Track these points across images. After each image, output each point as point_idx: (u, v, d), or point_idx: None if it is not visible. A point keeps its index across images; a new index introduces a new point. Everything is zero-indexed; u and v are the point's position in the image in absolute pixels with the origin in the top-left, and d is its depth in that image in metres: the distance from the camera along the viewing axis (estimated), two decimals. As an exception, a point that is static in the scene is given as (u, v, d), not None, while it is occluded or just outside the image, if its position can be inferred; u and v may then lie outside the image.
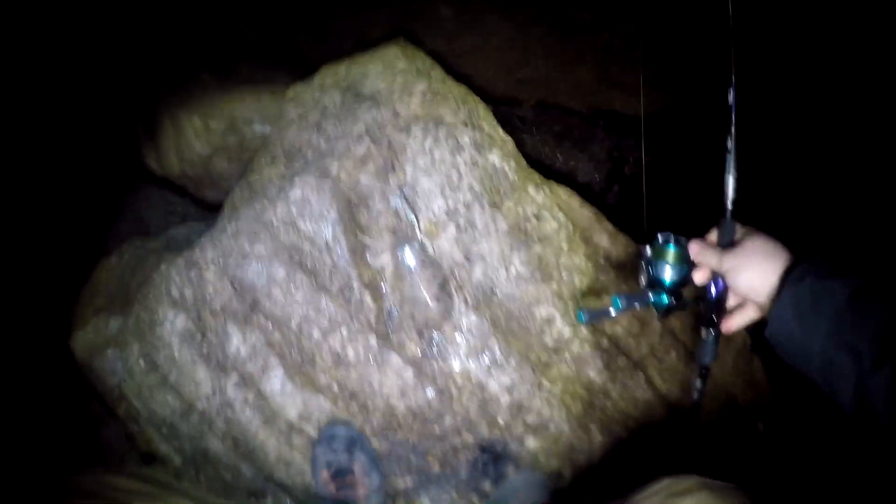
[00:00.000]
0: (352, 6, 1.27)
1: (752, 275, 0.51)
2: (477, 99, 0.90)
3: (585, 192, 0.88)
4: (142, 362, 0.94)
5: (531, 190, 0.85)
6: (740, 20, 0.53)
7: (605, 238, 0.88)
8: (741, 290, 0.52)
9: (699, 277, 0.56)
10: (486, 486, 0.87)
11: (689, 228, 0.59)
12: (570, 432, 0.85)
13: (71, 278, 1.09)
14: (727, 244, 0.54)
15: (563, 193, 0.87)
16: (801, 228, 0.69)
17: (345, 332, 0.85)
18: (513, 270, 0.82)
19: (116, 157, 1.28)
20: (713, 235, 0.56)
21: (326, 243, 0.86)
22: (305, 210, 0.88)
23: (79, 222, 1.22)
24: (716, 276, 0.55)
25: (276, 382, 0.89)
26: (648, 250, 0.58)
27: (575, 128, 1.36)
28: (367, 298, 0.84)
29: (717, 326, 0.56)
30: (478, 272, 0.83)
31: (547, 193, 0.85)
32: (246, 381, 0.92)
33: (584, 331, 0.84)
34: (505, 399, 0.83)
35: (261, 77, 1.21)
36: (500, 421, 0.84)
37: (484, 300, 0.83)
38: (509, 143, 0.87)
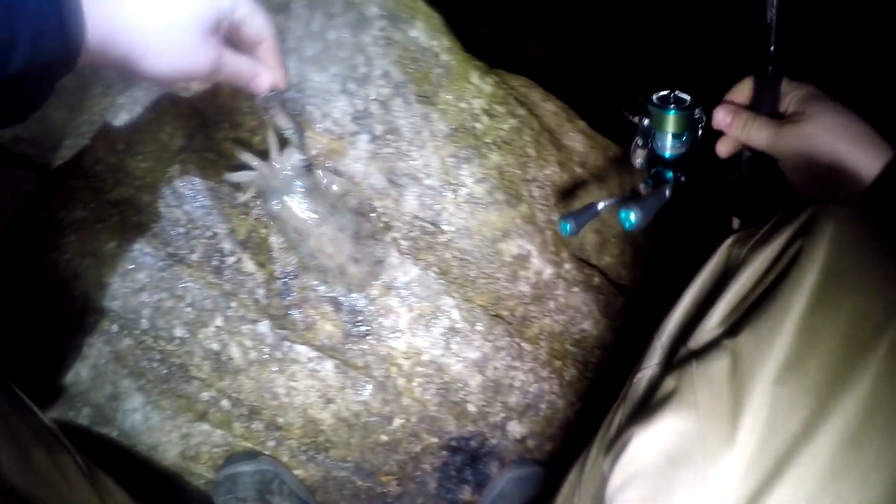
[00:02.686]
0: None
1: (835, 162, 0.33)
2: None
3: (543, 79, 0.59)
4: None
5: (475, 79, 0.55)
6: None
7: (580, 140, 0.60)
8: (812, 178, 0.35)
9: (724, 147, 0.40)
10: (467, 493, 0.58)
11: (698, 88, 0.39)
12: (566, 406, 0.58)
13: None
14: (771, 111, 0.37)
15: (518, 83, 0.58)
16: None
17: (220, 322, 0.51)
18: (463, 192, 0.52)
19: None
20: (741, 95, 0.39)
21: (171, 187, 0.51)
22: (136, 142, 0.53)
23: None
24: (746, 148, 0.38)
25: (135, 415, 0.54)
26: (646, 121, 0.42)
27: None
28: (249, 264, 0.51)
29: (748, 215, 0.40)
30: (411, 200, 0.52)
31: (496, 83, 0.55)
32: (101, 416, 0.57)
33: (567, 266, 0.56)
34: (475, 380, 0.54)
35: None
36: (472, 409, 0.55)
37: (425, 241, 0.52)
38: (437, 18, 0.56)
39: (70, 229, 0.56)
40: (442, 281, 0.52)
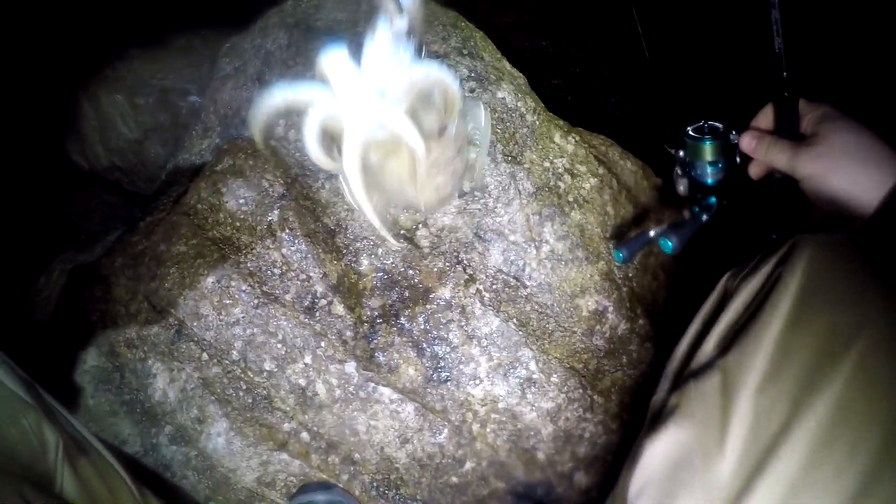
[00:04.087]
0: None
1: (845, 182, 0.35)
2: (472, 26, 0.61)
3: (619, 133, 0.60)
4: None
5: (557, 138, 0.57)
6: None
7: (656, 198, 0.61)
8: (826, 198, 0.36)
9: (755, 170, 0.43)
10: (524, 538, 0.59)
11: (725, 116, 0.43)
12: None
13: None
14: (792, 133, 0.38)
15: (598, 142, 0.59)
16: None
17: (309, 359, 0.54)
18: (545, 249, 0.54)
19: (42, 159, 0.95)
20: (765, 120, 0.41)
21: (271, 229, 0.55)
22: (237, 186, 0.57)
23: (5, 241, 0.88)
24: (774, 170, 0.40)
25: (218, 439, 0.57)
26: (682, 153, 0.45)
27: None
28: (338, 307, 0.54)
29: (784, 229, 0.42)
30: (496, 255, 0.54)
31: (577, 142, 0.57)
32: (182, 436, 0.60)
33: (641, 321, 0.57)
34: (547, 429, 0.55)
35: (199, 42, 0.93)
36: (541, 457, 0.56)
37: (507, 294, 0.54)
38: (521, 79, 0.59)
39: (171, 262, 0.60)
40: (521, 333, 0.54)
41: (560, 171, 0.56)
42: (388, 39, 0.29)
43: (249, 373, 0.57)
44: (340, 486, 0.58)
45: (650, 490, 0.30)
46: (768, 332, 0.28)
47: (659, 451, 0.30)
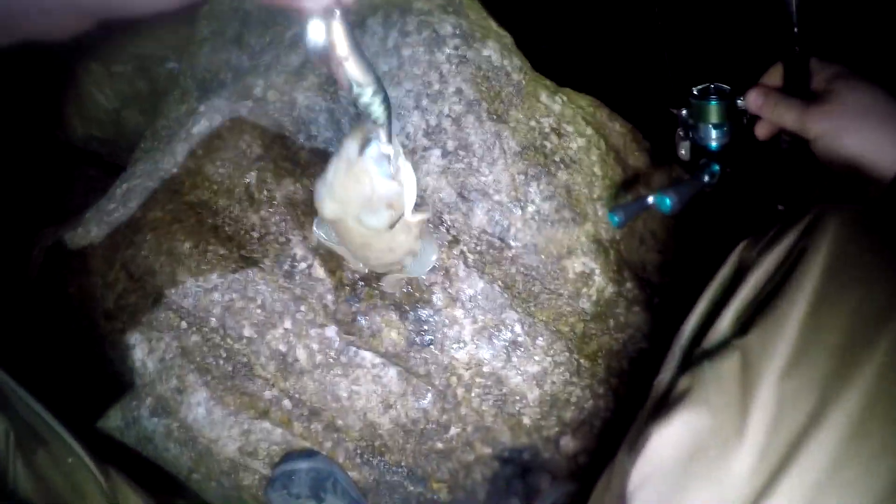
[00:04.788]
0: None
1: (861, 141, 0.32)
2: (454, -17, 0.58)
3: (608, 100, 0.59)
4: None
5: (544, 98, 0.55)
6: None
7: (644, 159, 0.60)
8: (838, 160, 0.34)
9: (761, 131, 0.40)
10: (512, 506, 0.58)
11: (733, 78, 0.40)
12: (621, 425, 0.57)
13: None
14: (802, 91, 0.36)
15: (586, 103, 0.58)
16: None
17: (289, 324, 0.53)
18: (531, 209, 0.52)
19: (18, 132, 0.91)
20: (774, 78, 0.39)
21: (249, 192, 0.53)
22: (215, 149, 0.55)
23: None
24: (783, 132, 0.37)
25: (199, 409, 0.56)
26: (685, 112, 0.42)
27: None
28: (318, 270, 0.53)
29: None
30: (480, 215, 0.52)
31: (565, 102, 0.56)
32: (163, 407, 0.58)
33: (629, 285, 0.56)
34: (533, 393, 0.54)
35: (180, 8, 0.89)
36: (527, 422, 0.55)
37: (492, 256, 0.53)
38: (508, 38, 0.57)
39: (147, 228, 0.58)
40: (506, 295, 0.53)
41: (546, 130, 0.54)
42: (373, 157, 0.35)
43: (229, 340, 0.55)
44: (323, 453, 0.57)
45: (656, 481, 0.27)
46: (793, 311, 0.25)
47: (668, 439, 0.27)
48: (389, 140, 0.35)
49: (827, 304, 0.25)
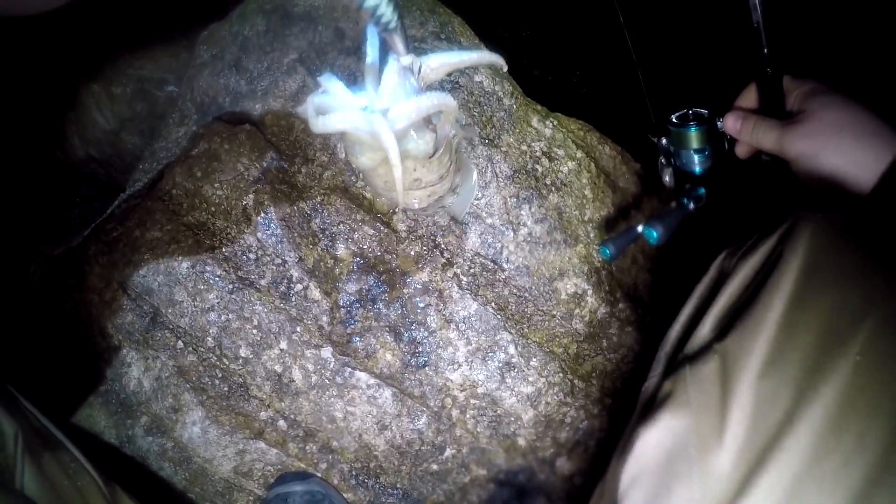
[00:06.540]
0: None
1: (840, 159, 0.32)
2: (450, 11, 0.60)
3: (598, 123, 0.60)
4: None
5: (535, 122, 0.56)
6: None
7: (635, 183, 0.61)
8: (818, 178, 0.34)
9: (741, 150, 0.41)
10: (506, 526, 0.58)
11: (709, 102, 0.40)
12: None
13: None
14: (778, 112, 0.36)
15: (576, 126, 0.59)
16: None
17: (284, 345, 0.53)
18: (523, 232, 0.53)
19: (19, 152, 0.92)
20: (749, 99, 0.39)
21: (246, 214, 0.53)
22: (214, 171, 0.56)
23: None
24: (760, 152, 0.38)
25: (194, 428, 0.56)
26: (664, 141, 0.43)
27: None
28: (314, 291, 0.53)
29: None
30: (473, 238, 0.53)
31: (556, 126, 0.57)
32: (158, 426, 0.58)
33: (621, 305, 0.57)
34: (527, 414, 0.54)
35: (177, 31, 0.90)
36: (522, 443, 0.55)
37: (485, 278, 0.53)
38: (498, 62, 0.58)
39: (145, 248, 0.59)
40: (499, 316, 0.53)
41: (538, 154, 0.55)
42: (396, 72, 0.32)
43: (225, 360, 0.56)
44: (318, 475, 0.57)
45: (643, 481, 0.27)
46: (770, 313, 0.26)
47: (653, 440, 0.28)
48: (406, 48, 0.31)
49: (803, 305, 0.25)
